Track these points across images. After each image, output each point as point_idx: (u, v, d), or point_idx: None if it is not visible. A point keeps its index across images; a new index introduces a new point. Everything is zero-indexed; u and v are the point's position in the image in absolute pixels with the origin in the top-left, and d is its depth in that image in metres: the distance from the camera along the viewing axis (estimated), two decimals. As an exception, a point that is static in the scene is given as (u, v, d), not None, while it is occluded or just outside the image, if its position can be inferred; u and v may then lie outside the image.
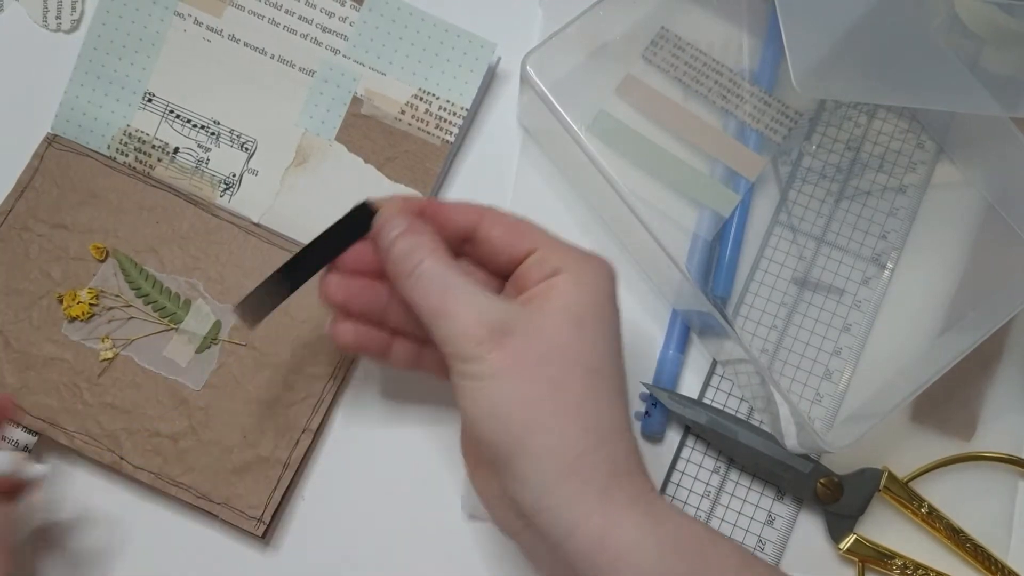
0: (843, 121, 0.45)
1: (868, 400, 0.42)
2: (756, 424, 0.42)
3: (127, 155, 0.44)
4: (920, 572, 0.41)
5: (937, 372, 0.38)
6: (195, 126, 0.44)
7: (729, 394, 0.43)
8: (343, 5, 0.44)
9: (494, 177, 0.45)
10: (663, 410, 0.42)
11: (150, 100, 0.44)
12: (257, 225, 0.44)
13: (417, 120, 0.44)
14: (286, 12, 0.44)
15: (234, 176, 0.44)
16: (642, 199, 0.40)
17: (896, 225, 0.45)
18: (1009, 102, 0.39)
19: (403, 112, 0.44)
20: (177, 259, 0.43)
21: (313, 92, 0.44)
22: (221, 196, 0.44)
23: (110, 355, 0.42)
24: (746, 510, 0.42)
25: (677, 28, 0.45)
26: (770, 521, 0.42)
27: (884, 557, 0.41)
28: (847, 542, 0.41)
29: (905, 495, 0.42)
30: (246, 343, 0.42)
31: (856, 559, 0.42)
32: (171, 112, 0.44)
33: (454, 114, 0.44)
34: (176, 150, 0.44)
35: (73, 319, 0.42)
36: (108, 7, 0.44)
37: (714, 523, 0.42)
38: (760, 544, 0.42)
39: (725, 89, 0.44)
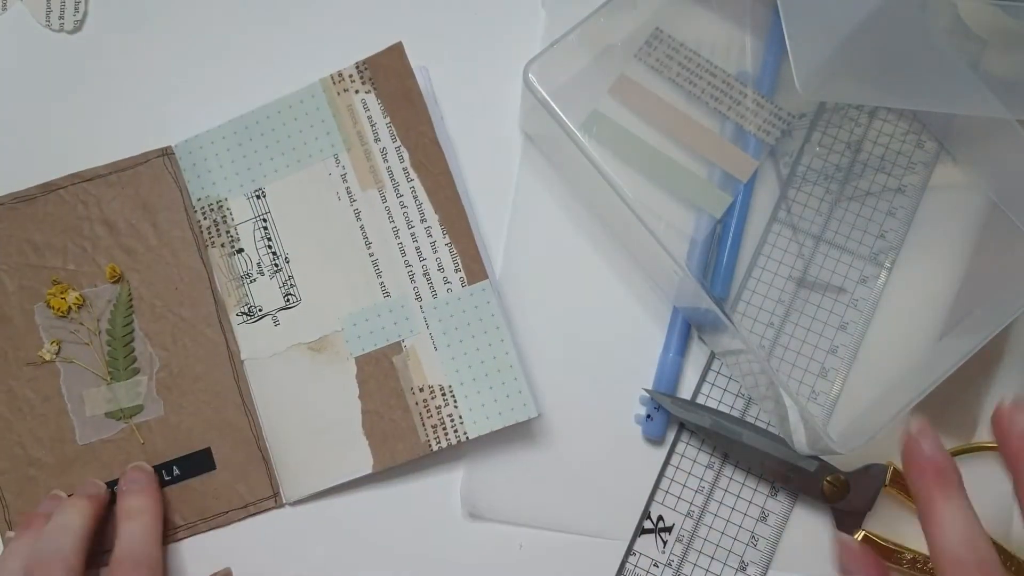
0: (844, 121, 0.46)
1: (873, 402, 0.42)
2: (759, 425, 0.43)
3: (205, 218, 0.44)
4: (930, 565, 0.41)
5: (942, 375, 0.39)
6: (269, 248, 0.44)
7: (725, 390, 0.44)
8: (457, 271, 0.43)
9: (495, 183, 0.45)
10: (665, 414, 0.43)
11: (258, 197, 0.44)
12: (242, 362, 0.44)
13: (424, 406, 0.42)
14: (411, 233, 0.43)
15: (260, 310, 0.44)
16: (639, 199, 0.40)
17: (895, 225, 0.45)
18: (1013, 104, 0.38)
19: (421, 390, 0.42)
20: (163, 329, 0.44)
21: (374, 309, 0.43)
22: (237, 316, 0.44)
23: (47, 357, 0.43)
24: (739, 506, 0.43)
25: (680, 32, 0.45)
26: (763, 517, 0.43)
27: (893, 552, 0.41)
28: (856, 539, 0.41)
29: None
30: (144, 442, 0.43)
31: None
32: (263, 220, 0.44)
33: (455, 431, 0.42)
34: (240, 251, 0.44)
35: (50, 307, 0.43)
36: (292, 103, 0.44)
37: (707, 519, 0.43)
38: (753, 540, 0.42)
39: (718, 91, 0.44)
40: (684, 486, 0.43)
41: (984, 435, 0.43)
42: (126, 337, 0.43)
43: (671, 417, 0.43)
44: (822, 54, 0.38)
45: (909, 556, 0.41)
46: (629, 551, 0.42)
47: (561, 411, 0.44)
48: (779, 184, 0.45)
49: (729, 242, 0.44)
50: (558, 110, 0.40)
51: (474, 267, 0.43)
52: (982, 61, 0.40)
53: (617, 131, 0.44)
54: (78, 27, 0.47)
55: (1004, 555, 0.41)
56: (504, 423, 0.42)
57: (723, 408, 0.43)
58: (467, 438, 0.42)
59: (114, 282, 0.44)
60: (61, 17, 0.46)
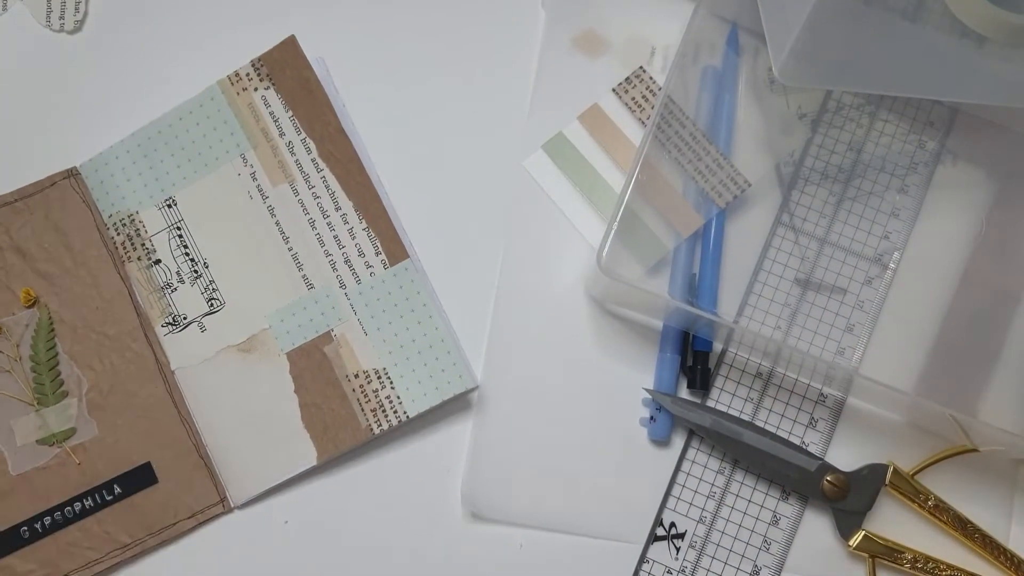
0: (845, 122, 0.46)
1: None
2: (758, 423, 0.43)
3: (119, 233, 0.44)
4: (930, 565, 0.41)
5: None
6: (186, 255, 0.44)
7: (733, 395, 0.44)
8: (377, 254, 0.43)
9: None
10: (668, 416, 0.42)
11: (169, 206, 0.44)
12: (172, 372, 0.43)
13: (362, 392, 0.42)
14: (327, 223, 0.43)
15: (184, 319, 0.43)
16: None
17: (898, 225, 0.45)
18: (1003, 92, 0.39)
19: (356, 376, 0.43)
20: (88, 348, 0.43)
21: (299, 302, 0.43)
22: (162, 327, 0.43)
23: (-30, 391, 0.42)
24: (751, 511, 0.43)
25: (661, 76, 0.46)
26: (775, 521, 0.42)
27: (894, 552, 0.41)
28: (856, 539, 0.41)
29: (911, 489, 0.42)
30: (81, 463, 0.42)
31: (866, 555, 0.42)
32: (177, 229, 0.44)
33: (395, 412, 0.42)
34: (158, 262, 0.44)
35: (-34, 339, 0.42)
36: (192, 109, 0.44)
37: (719, 524, 0.43)
38: (765, 544, 0.42)
39: (683, 142, 0.44)
40: (696, 492, 0.43)
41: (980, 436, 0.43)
42: (50, 361, 0.43)
43: (679, 421, 0.43)
44: (797, 39, 0.38)
45: (909, 556, 0.41)
46: (643, 559, 0.42)
47: (563, 411, 0.43)
48: (781, 187, 0.45)
49: (710, 267, 0.44)
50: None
51: (394, 248, 0.43)
52: (970, 47, 0.40)
53: (574, 155, 0.45)
54: (78, 27, 0.46)
55: (1004, 555, 0.42)
56: (443, 397, 0.42)
57: (731, 414, 0.43)
58: (407, 417, 0.42)
59: (29, 306, 0.43)
60: (62, 17, 0.46)
